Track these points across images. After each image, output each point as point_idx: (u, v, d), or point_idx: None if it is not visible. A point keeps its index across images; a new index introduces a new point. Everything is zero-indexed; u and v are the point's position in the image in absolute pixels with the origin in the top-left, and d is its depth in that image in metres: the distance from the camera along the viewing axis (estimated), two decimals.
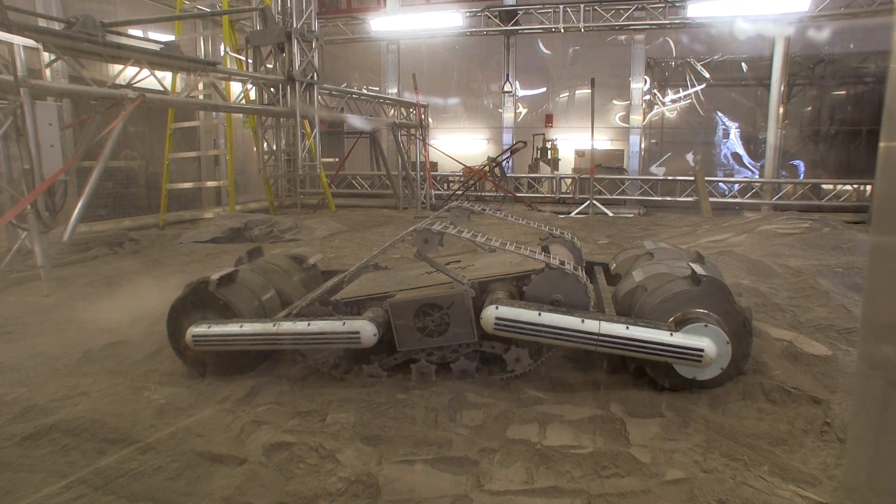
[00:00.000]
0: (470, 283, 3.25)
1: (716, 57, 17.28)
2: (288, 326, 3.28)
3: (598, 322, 2.99)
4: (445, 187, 16.92)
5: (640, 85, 16.80)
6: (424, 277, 3.70)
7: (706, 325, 3.01)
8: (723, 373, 3.06)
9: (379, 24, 17.58)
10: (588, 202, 14.10)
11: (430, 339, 3.28)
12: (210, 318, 3.49)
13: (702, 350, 2.95)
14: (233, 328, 3.36)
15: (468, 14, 17.06)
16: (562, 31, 16.52)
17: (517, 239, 5.83)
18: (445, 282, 3.38)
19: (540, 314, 3.00)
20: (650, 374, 3.15)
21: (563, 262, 3.23)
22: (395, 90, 18.42)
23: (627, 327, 2.99)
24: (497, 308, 3.03)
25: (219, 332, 3.37)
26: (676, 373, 3.08)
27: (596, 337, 2.98)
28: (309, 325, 3.25)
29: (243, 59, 11.59)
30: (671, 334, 2.98)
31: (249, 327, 3.34)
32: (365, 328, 3.15)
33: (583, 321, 2.99)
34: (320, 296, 3.50)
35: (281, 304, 3.87)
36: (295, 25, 10.20)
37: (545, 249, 3.59)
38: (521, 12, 16.92)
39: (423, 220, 3.40)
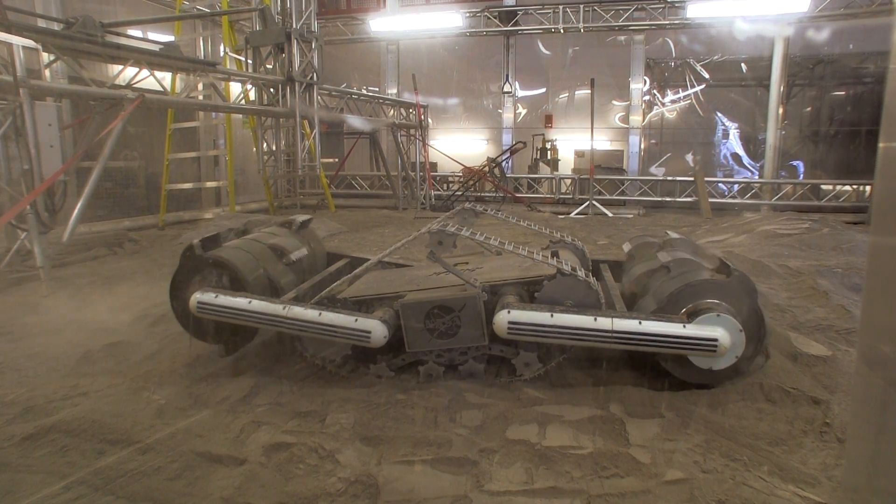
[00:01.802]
0: (482, 286, 3.25)
1: (715, 57, 17.27)
2: (298, 312, 3.23)
3: (610, 319, 2.99)
4: (445, 188, 16.92)
5: (639, 85, 16.80)
6: (433, 278, 3.68)
7: (718, 315, 3.01)
8: (738, 361, 3.06)
9: (379, 25, 17.58)
10: (588, 203, 14.09)
11: (440, 341, 3.27)
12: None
13: (716, 339, 2.95)
14: (240, 302, 3.32)
15: (468, 14, 17.06)
16: (561, 31, 16.53)
17: (517, 240, 5.82)
18: (455, 283, 3.37)
19: (552, 315, 3.02)
20: (667, 369, 3.14)
21: (574, 269, 3.25)
22: (394, 90, 18.42)
23: (640, 322, 2.99)
24: (509, 312, 3.03)
25: (225, 304, 3.33)
26: (693, 365, 3.08)
27: (609, 334, 2.98)
28: (320, 314, 3.21)
29: (243, 59, 11.59)
30: (684, 326, 2.98)
31: (258, 305, 3.29)
32: (377, 328, 3.13)
33: (595, 319, 3.00)
34: (333, 290, 3.47)
35: None
36: (294, 26, 10.20)
37: (555, 255, 3.58)
38: (520, 13, 16.92)
39: (434, 221, 3.39)
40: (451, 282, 3.44)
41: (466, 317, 3.21)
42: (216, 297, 3.36)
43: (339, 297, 3.46)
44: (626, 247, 4.36)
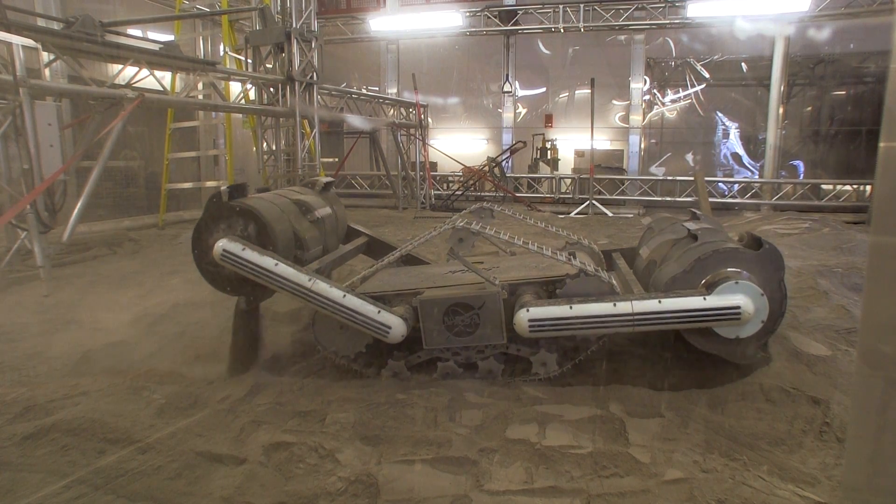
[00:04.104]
0: (501, 285, 3.24)
1: (716, 57, 17.26)
2: (323, 288, 3.19)
3: (629, 302, 2.99)
4: (445, 187, 16.92)
5: (639, 85, 16.78)
6: (449, 276, 3.68)
7: (737, 283, 2.99)
8: (764, 326, 3.04)
9: (378, 24, 17.57)
10: (588, 202, 14.09)
11: (459, 339, 3.26)
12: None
13: (738, 307, 2.93)
14: (267, 262, 3.25)
15: (468, 14, 17.05)
16: (561, 30, 16.52)
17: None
18: (472, 282, 3.36)
19: (571, 307, 3.02)
20: (694, 345, 3.11)
21: (593, 269, 3.25)
22: (394, 90, 18.40)
23: (660, 301, 2.97)
24: (528, 310, 3.03)
25: (250, 259, 3.26)
26: (719, 336, 3.06)
27: (631, 317, 2.97)
28: (345, 296, 3.18)
29: (243, 58, 11.58)
30: (704, 298, 2.96)
31: (283, 269, 3.23)
32: (398, 325, 3.12)
33: (615, 304, 2.99)
34: (354, 282, 3.45)
35: None
36: (294, 25, 10.19)
37: (572, 256, 3.59)
38: (520, 12, 16.90)
39: (454, 218, 3.38)
40: (469, 280, 3.43)
41: (486, 315, 3.20)
42: (243, 249, 3.28)
43: (356, 291, 3.44)
44: (647, 220, 4.39)
